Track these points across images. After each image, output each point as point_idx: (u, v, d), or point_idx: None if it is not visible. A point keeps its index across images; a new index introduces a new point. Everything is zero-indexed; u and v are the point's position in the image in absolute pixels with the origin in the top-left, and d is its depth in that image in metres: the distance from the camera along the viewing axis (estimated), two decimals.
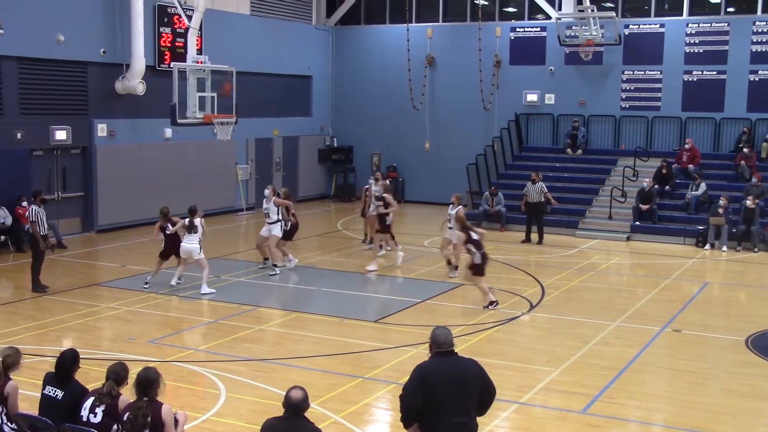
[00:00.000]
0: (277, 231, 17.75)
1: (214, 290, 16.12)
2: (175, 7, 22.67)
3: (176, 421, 7.08)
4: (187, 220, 16.10)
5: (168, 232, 16.35)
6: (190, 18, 20.90)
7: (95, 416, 7.02)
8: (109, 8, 22.47)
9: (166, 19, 24.06)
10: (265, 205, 18.01)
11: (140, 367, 7.28)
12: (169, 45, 24.19)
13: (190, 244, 16.06)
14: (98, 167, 22.52)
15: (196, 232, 16.09)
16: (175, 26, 24.22)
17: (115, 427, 7.01)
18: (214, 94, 20.20)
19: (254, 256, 20.12)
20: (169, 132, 23.94)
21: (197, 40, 21.20)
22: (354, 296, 16.35)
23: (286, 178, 29.56)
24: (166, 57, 23.90)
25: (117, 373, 7.18)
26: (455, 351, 6.78)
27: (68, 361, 7.56)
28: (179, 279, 16.43)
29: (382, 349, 12.61)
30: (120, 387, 7.15)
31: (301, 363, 11.92)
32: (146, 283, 16.17)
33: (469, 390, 6.63)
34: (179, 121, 19.72)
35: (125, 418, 6.82)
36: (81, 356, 7.91)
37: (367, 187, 21.12)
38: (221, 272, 17.82)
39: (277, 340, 13.27)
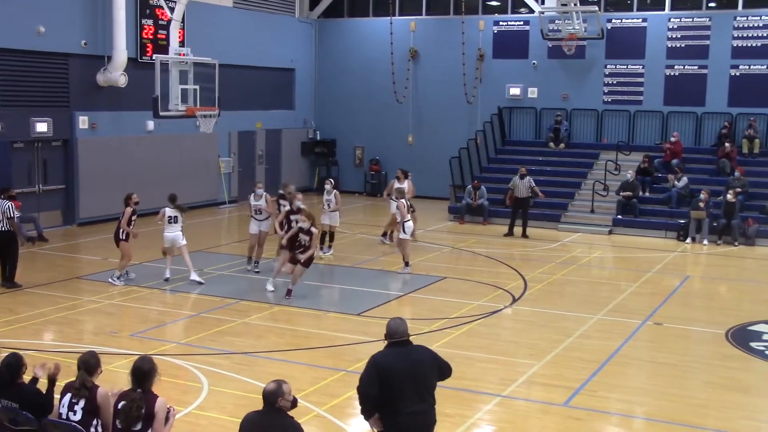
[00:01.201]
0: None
1: (204, 281, 16.17)
2: None
3: (168, 417, 7.04)
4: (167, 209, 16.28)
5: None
6: (172, 10, 20.82)
7: (75, 414, 6.93)
8: (91, 0, 22.31)
9: (148, 11, 23.91)
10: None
11: (123, 360, 7.24)
12: (151, 37, 24.05)
13: (172, 233, 16.13)
14: (79, 160, 22.38)
15: (176, 222, 16.13)
16: (158, 18, 24.07)
17: (95, 421, 6.96)
18: (197, 87, 20.10)
19: (239, 249, 20.10)
20: (151, 124, 23.82)
21: (180, 33, 21.12)
22: (337, 290, 16.34)
23: (269, 171, 29.50)
24: (148, 49, 23.76)
25: (87, 362, 7.05)
26: (409, 340, 6.95)
27: (13, 364, 7.27)
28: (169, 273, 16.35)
29: (364, 342, 12.60)
30: (93, 377, 7.04)
31: (284, 356, 11.90)
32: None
33: (425, 378, 6.83)
34: (161, 113, 19.61)
35: (119, 408, 6.78)
36: (62, 350, 7.85)
37: (392, 182, 21.05)
38: (204, 265, 17.75)
39: (260, 333, 13.25)
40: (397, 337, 6.88)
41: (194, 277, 16.06)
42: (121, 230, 16.01)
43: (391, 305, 14.98)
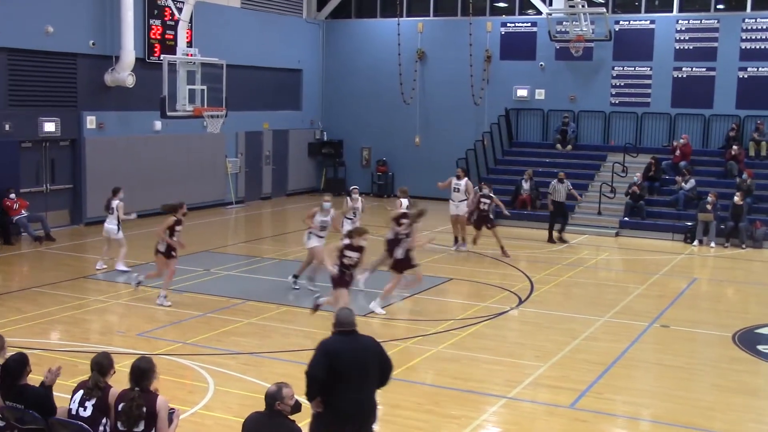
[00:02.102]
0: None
1: (130, 269, 16.86)
2: (165, 0, 22.56)
3: (171, 419, 7.05)
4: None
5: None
6: (180, 10, 20.83)
7: (85, 410, 6.96)
8: (99, 0, 22.35)
9: (156, 12, 23.95)
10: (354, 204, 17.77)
11: (130, 359, 7.25)
12: (158, 37, 24.08)
13: (109, 224, 17.07)
14: (87, 159, 22.42)
15: (113, 213, 17.01)
16: (165, 18, 24.11)
17: (104, 420, 6.96)
18: (204, 87, 20.13)
19: (245, 250, 20.12)
20: (158, 124, 23.85)
21: (187, 33, 21.13)
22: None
23: (276, 172, 29.53)
24: (155, 49, 23.79)
25: (99, 364, 7.07)
26: (356, 330, 7.22)
27: (14, 368, 7.20)
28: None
29: None
30: (106, 377, 7.07)
31: (289, 356, 11.90)
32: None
33: (368, 367, 7.11)
34: (169, 113, 19.65)
35: (119, 409, 6.78)
36: (68, 349, 7.85)
37: (475, 188, 20.99)
38: (211, 265, 17.79)
39: (266, 333, 13.24)
40: (345, 327, 7.17)
41: (120, 266, 16.96)
42: (161, 241, 14.55)
43: (397, 306, 14.96)
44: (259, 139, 28.80)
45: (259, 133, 28.78)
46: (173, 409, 7.24)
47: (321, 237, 15.58)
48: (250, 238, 22.70)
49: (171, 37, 23.73)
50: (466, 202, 20.29)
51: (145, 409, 6.71)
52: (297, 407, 6.59)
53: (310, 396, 6.98)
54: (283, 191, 30.00)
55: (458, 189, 20.35)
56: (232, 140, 27.37)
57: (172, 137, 24.67)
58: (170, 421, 7.00)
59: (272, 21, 29.08)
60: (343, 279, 13.01)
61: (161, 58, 20.55)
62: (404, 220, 14.95)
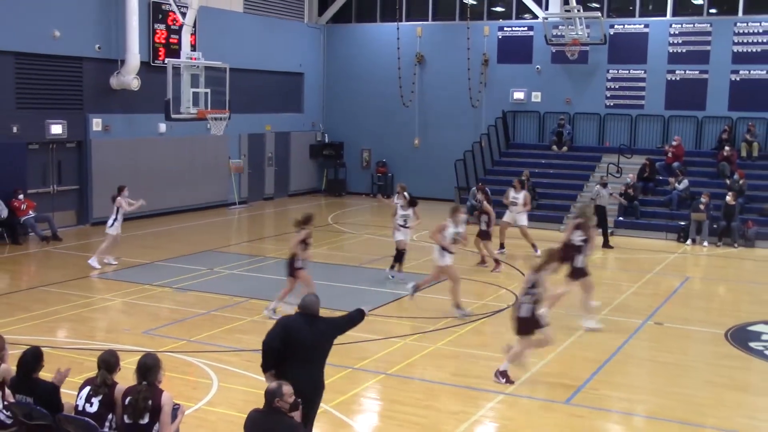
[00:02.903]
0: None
1: (116, 262, 17.38)
2: (170, 5, 22.57)
3: (176, 415, 7.06)
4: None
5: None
6: (184, 15, 20.84)
7: (91, 406, 6.96)
8: (105, 5, 22.34)
9: (160, 16, 23.95)
10: (402, 212, 16.75)
11: (136, 357, 7.26)
12: (163, 41, 24.08)
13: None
14: (93, 161, 22.43)
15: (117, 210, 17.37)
16: (170, 23, 24.10)
17: (110, 416, 6.97)
18: (208, 90, 20.15)
19: (248, 249, 20.13)
20: (163, 127, 23.85)
21: (191, 37, 21.14)
22: (344, 288, 16.31)
23: (278, 173, 29.54)
24: (160, 53, 23.80)
25: (107, 362, 7.09)
26: (317, 316, 7.62)
27: (30, 361, 7.29)
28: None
29: (370, 341, 12.60)
30: (113, 374, 7.08)
31: None
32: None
33: (319, 348, 7.57)
34: (173, 116, 19.68)
35: (126, 402, 6.80)
36: (76, 347, 7.86)
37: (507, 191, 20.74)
38: (214, 264, 17.79)
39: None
40: (306, 311, 7.61)
41: (92, 262, 17.16)
42: (297, 259, 13.61)
43: (396, 304, 14.96)
44: (261, 141, 28.79)
45: (262, 135, 28.78)
46: (178, 404, 7.24)
47: (452, 254, 14.06)
48: (253, 238, 22.70)
49: (175, 41, 23.70)
50: (524, 213, 19.91)
51: (150, 402, 6.74)
52: (296, 405, 6.61)
53: (264, 366, 7.51)
54: (285, 192, 30.00)
55: (516, 202, 19.89)
56: (236, 142, 27.37)
57: (177, 139, 24.67)
58: (175, 416, 7.01)
59: (274, 25, 29.08)
60: None
61: (166, 61, 20.55)
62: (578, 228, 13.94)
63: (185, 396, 9.84)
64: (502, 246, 19.95)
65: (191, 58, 19.71)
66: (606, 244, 21.00)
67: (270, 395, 6.53)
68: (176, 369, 11.05)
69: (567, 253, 13.53)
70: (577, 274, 13.65)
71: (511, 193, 20.09)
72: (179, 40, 21.87)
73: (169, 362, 11.25)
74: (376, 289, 16.22)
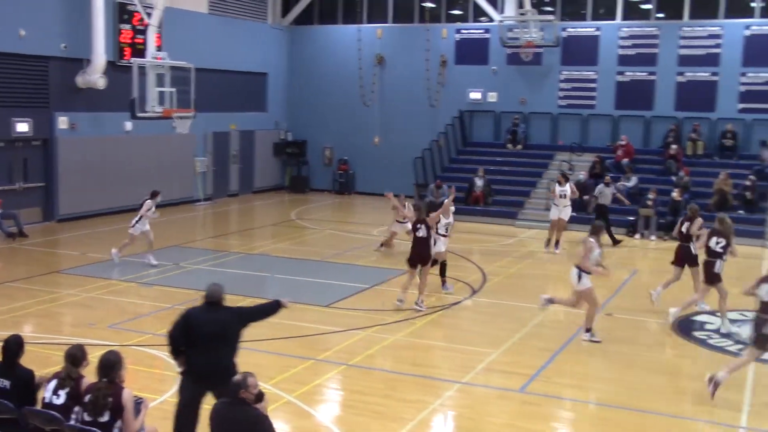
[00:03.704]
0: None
1: (156, 263, 16.80)
2: (135, 5, 22.31)
3: (139, 409, 6.97)
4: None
5: (420, 234, 14.03)
6: (149, 15, 20.63)
7: (58, 398, 6.86)
8: (70, 4, 21.99)
9: (126, 16, 23.62)
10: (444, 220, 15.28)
11: (101, 351, 7.16)
12: (129, 41, 23.76)
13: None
14: (59, 158, 22.09)
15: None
16: (135, 23, 23.80)
17: (76, 408, 6.86)
18: (173, 90, 19.95)
19: (213, 244, 19.99)
20: (129, 125, 23.57)
21: (157, 37, 20.91)
22: (307, 282, 16.27)
23: (243, 171, 29.36)
24: (126, 53, 23.47)
25: (73, 356, 6.98)
26: (221, 304, 7.70)
27: (13, 348, 7.31)
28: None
29: (333, 332, 12.59)
30: (79, 368, 6.97)
31: (255, 346, 11.81)
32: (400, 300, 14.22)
33: (223, 334, 7.59)
34: (139, 114, 19.49)
35: (87, 400, 6.69)
36: (42, 341, 7.76)
37: (552, 188, 20.75)
38: (181, 259, 17.64)
39: None
40: (209, 299, 7.70)
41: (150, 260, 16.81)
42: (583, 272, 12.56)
43: (358, 297, 14.95)
44: (226, 140, 28.59)
45: (227, 134, 28.57)
46: (141, 398, 7.15)
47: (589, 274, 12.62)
48: (218, 234, 22.54)
49: (141, 41, 23.43)
50: (569, 207, 19.97)
51: (110, 400, 6.62)
52: (260, 396, 6.57)
53: (172, 353, 7.72)
54: (249, 189, 29.83)
55: (564, 195, 19.87)
56: (201, 140, 27.14)
57: (143, 137, 24.39)
58: (138, 410, 6.92)
59: (238, 26, 28.87)
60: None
61: (131, 61, 20.33)
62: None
63: (151, 389, 9.75)
64: (548, 242, 20.04)
65: (157, 58, 19.53)
66: (614, 241, 20.72)
67: (235, 386, 6.47)
68: (142, 362, 10.94)
69: (705, 262, 13.56)
70: (715, 279, 13.39)
71: (557, 187, 20.13)
72: (145, 40, 21.66)
73: (135, 356, 11.16)
74: (338, 283, 16.19)
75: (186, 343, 7.57)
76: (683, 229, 14.55)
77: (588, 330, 12.61)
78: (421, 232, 14.01)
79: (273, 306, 8.14)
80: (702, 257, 13.78)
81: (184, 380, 7.69)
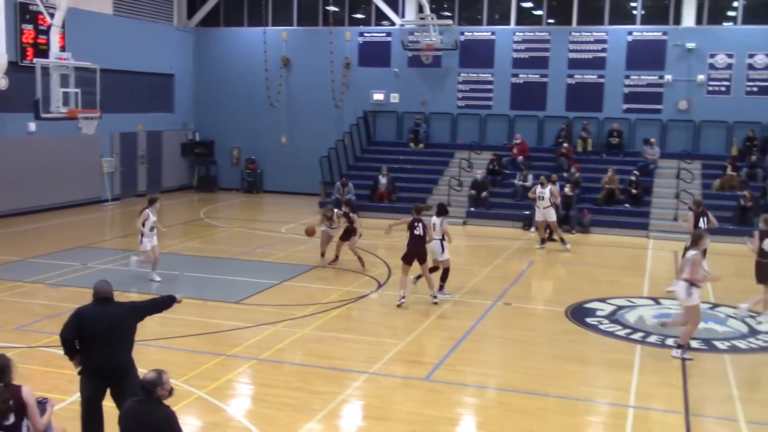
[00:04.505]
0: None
1: (159, 279, 15.40)
2: (37, 5, 21.45)
3: (45, 409, 6.69)
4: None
5: (417, 232, 13.98)
6: (52, 16, 19.85)
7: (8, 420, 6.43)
8: None
9: (28, 17, 22.72)
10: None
11: (7, 353, 6.85)
12: (31, 42, 22.87)
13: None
14: None
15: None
16: (38, 23, 22.91)
17: (24, 421, 6.46)
18: (78, 90, 19.28)
19: (120, 244, 19.46)
20: (33, 126, 22.69)
21: (60, 38, 20.15)
22: (216, 279, 16.01)
23: (150, 171, 28.67)
24: (28, 53, 22.58)
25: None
26: (111, 299, 7.62)
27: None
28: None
29: (243, 328, 12.43)
30: (10, 377, 6.47)
31: (166, 343, 11.58)
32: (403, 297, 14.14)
33: (118, 328, 7.48)
34: (43, 115, 18.74)
35: None
36: None
37: (533, 188, 20.53)
38: (89, 260, 17.09)
39: (142, 322, 12.78)
40: (98, 295, 7.57)
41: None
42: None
43: (267, 293, 14.80)
44: (133, 140, 27.86)
45: (134, 134, 27.85)
46: (46, 399, 6.88)
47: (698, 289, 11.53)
48: (127, 233, 21.91)
49: (44, 41, 22.57)
50: (551, 208, 19.88)
51: (12, 402, 6.32)
52: (171, 392, 6.41)
53: (67, 354, 7.53)
54: (157, 189, 29.11)
55: (543, 197, 19.83)
56: (107, 141, 26.37)
57: (47, 138, 23.52)
58: (44, 410, 6.65)
59: (144, 28, 28.16)
60: None
61: (34, 61, 19.53)
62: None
63: (60, 389, 9.42)
64: (543, 241, 20.11)
65: (60, 59, 18.81)
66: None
67: (152, 384, 6.25)
68: (51, 363, 10.55)
69: (758, 265, 13.45)
70: None
71: (538, 189, 20.15)
72: (48, 40, 20.82)
73: (43, 357, 10.76)
74: (247, 280, 15.99)
75: (80, 342, 7.42)
76: (765, 247, 13.46)
77: (681, 347, 11.48)
78: (419, 230, 14.03)
79: (166, 300, 8.07)
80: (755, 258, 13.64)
81: (83, 379, 7.55)
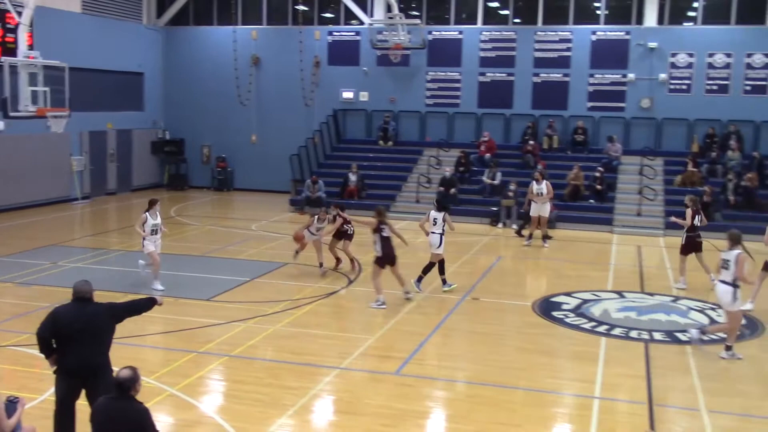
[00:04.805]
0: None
1: (162, 288, 14.52)
2: (5, 3, 21.12)
3: (15, 408, 6.59)
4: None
5: (385, 234, 13.94)
6: (20, 14, 19.56)
7: None
8: None
9: None
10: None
11: None
12: None
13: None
14: None
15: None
16: (6, 22, 22.56)
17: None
18: (47, 89, 19.01)
19: (90, 243, 19.24)
20: (1, 125, 22.35)
21: (28, 36, 19.86)
22: (187, 277, 15.89)
23: (120, 169, 28.38)
24: None
25: None
26: (90, 299, 7.52)
27: None
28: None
29: (214, 325, 12.34)
30: None
31: (137, 341, 11.47)
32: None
33: (95, 329, 7.39)
34: (11, 114, 18.47)
35: None
36: None
37: (530, 185, 20.35)
38: (59, 258, 16.87)
39: None
40: (76, 294, 7.49)
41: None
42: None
43: (238, 290, 14.72)
44: (103, 138, 27.55)
45: (104, 133, 27.54)
46: (17, 398, 6.78)
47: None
48: (97, 232, 21.69)
49: (12, 40, 22.23)
50: (548, 204, 19.99)
51: None
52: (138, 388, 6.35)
53: (43, 353, 7.44)
54: (127, 187, 28.87)
55: (541, 193, 19.86)
56: (77, 139, 26.06)
57: (16, 137, 23.19)
58: (14, 410, 6.55)
59: (112, 26, 27.84)
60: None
61: (2, 60, 19.21)
62: None
63: (30, 388, 9.29)
64: (545, 238, 20.20)
65: (29, 57, 18.54)
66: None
67: (129, 381, 6.14)
68: (20, 362, 10.41)
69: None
70: None
71: (534, 186, 20.10)
72: (16, 39, 20.52)
73: (13, 356, 10.61)
74: (218, 277, 15.89)
75: (56, 342, 7.34)
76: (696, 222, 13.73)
77: (729, 348, 11.31)
78: (386, 233, 13.98)
79: (146, 303, 7.96)
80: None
81: (58, 378, 7.47)
